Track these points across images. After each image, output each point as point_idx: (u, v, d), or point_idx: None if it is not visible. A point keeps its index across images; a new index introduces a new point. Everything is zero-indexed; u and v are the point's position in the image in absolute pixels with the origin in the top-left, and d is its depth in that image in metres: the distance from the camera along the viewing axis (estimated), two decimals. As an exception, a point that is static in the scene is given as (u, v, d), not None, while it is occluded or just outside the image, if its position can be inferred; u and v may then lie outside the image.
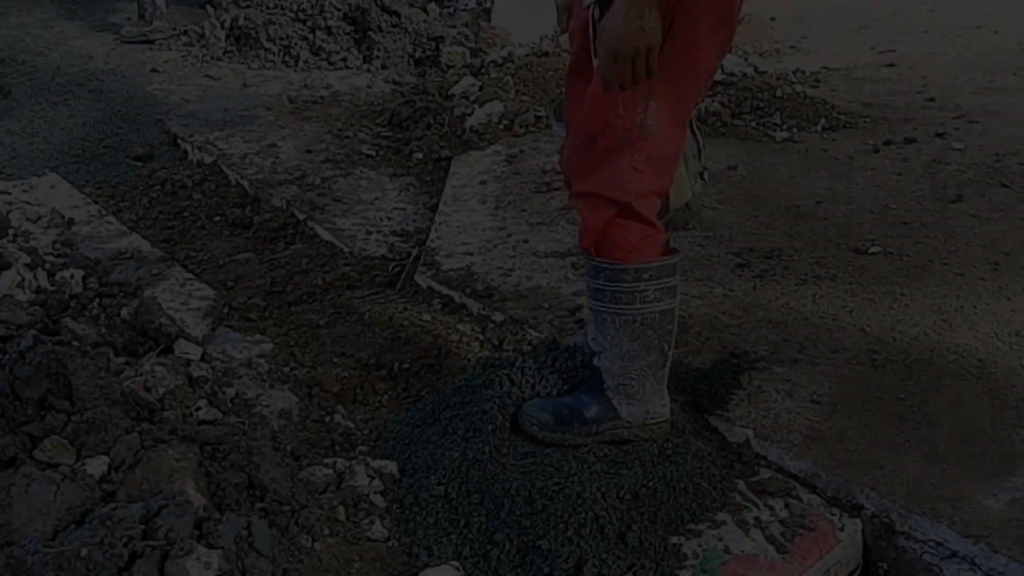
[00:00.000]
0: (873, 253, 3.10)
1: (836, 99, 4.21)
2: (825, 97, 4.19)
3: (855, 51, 4.71)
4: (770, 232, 3.27)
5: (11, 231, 3.21)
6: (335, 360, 2.86)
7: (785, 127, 4.00)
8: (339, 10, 5.24)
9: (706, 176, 2.33)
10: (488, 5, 5.84)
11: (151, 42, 5.57)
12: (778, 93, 4.17)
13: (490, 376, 2.44)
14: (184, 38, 5.51)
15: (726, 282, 3.00)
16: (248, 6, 5.40)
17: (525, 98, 4.39)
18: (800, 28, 4.97)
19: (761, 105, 4.13)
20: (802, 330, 2.74)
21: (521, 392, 2.39)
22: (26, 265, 2.94)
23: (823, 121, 4.02)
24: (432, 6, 5.88)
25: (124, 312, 2.77)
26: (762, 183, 3.61)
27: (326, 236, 3.62)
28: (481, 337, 2.89)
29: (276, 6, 5.28)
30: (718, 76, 4.33)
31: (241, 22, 5.30)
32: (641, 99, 1.93)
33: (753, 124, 4.05)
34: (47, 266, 3.05)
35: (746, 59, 4.49)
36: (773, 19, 4.97)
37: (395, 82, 5.03)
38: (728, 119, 4.07)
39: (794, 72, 4.43)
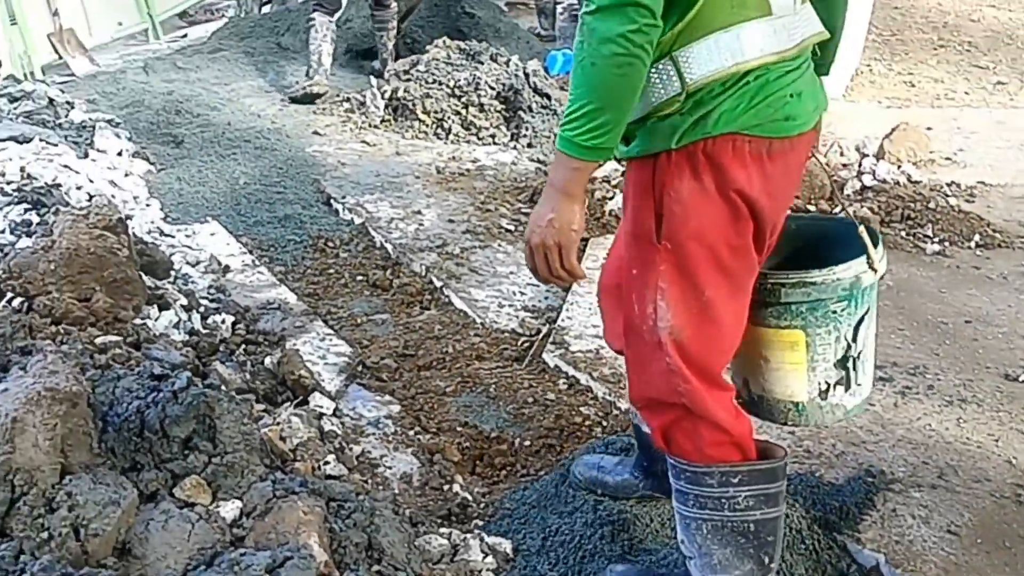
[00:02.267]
0: (1025, 381, 2.95)
1: (992, 216, 4.05)
2: (980, 213, 4.04)
3: (1015, 168, 4.55)
4: (915, 347, 3.15)
5: (172, 273, 3.41)
6: (458, 429, 2.90)
7: (936, 240, 3.87)
8: (493, 89, 5.42)
9: (846, 390, 1.98)
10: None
11: (315, 97, 5.88)
12: (931, 204, 4.05)
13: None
14: (346, 104, 5.80)
15: (864, 395, 2.90)
16: (409, 79, 5.64)
17: (668, 187, 4.40)
18: (957, 140, 4.83)
19: (912, 215, 4.02)
20: (944, 455, 2.61)
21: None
22: (183, 307, 3.12)
23: (977, 237, 3.87)
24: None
25: (268, 361, 2.89)
26: (909, 295, 3.49)
27: (460, 305, 3.70)
28: (604, 423, 2.88)
29: (435, 81, 5.50)
30: (869, 182, 4.26)
31: (400, 94, 5.54)
32: (648, 300, 1.76)
33: (903, 234, 3.94)
34: (201, 309, 3.23)
35: (899, 167, 4.38)
36: (930, 129, 4.85)
37: (540, 161, 5.14)
38: (877, 226, 3.97)
39: (949, 184, 4.30)
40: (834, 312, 1.90)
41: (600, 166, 2.78)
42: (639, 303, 1.79)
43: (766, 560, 1.88)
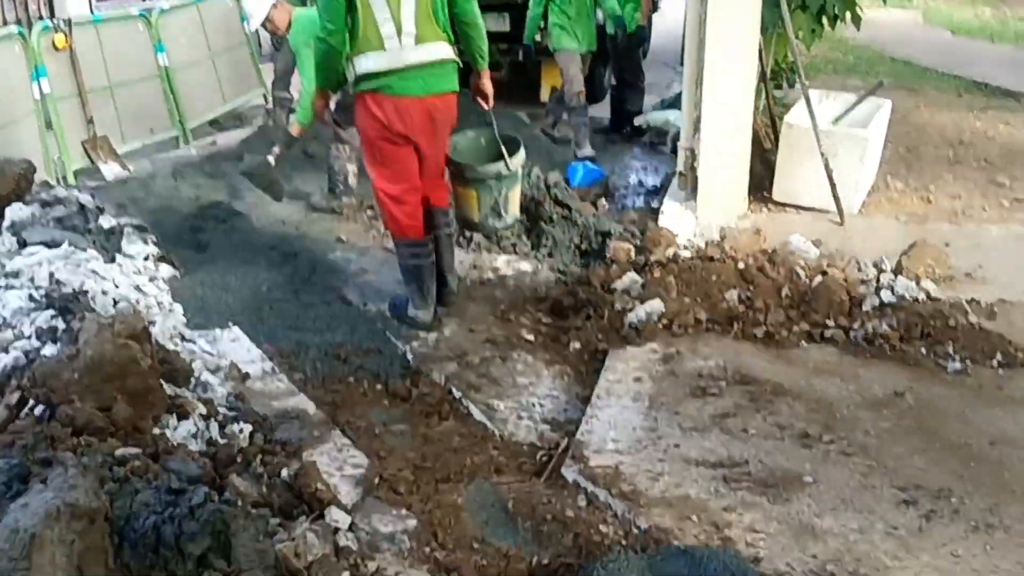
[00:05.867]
0: (1054, 507, 2.88)
1: (1014, 334, 4.03)
2: (1002, 331, 4.02)
3: (1035, 284, 4.54)
4: (939, 470, 3.10)
5: (192, 380, 3.43)
6: (475, 546, 2.86)
7: (958, 358, 3.85)
8: (515, 200, 5.53)
9: (498, 218, 4.44)
10: (656, 206, 6.02)
11: (339, 213, 6.01)
12: (951, 322, 4.04)
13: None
14: (370, 212, 5.90)
15: (889, 518, 2.85)
16: (431, 188, 5.77)
17: (686, 299, 4.42)
18: (977, 256, 4.84)
19: (933, 332, 4.00)
20: (972, 584, 2.55)
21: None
22: (201, 416, 3.13)
23: (999, 356, 3.84)
24: (602, 202, 6.11)
25: (285, 473, 2.88)
26: (931, 415, 3.46)
27: (479, 416, 3.69)
28: (624, 542, 2.83)
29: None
30: (888, 298, 4.26)
31: (423, 202, 5.66)
32: (368, 163, 4.27)
33: (923, 351, 3.92)
34: (220, 417, 3.23)
35: (918, 283, 4.39)
36: (948, 244, 4.87)
37: (560, 271, 5.19)
38: (897, 343, 3.96)
39: (969, 301, 4.29)
40: (489, 185, 4.33)
41: (328, 96, 4.37)
42: (367, 167, 4.27)
43: (422, 287, 4.35)
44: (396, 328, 4.38)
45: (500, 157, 4.30)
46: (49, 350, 3.12)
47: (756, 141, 5.62)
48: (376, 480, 3.15)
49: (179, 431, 2.93)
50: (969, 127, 7.43)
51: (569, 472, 3.19)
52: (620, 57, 8.11)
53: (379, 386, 3.92)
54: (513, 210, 4.48)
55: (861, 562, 2.64)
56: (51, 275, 3.83)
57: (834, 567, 2.62)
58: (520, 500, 3.07)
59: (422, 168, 4.18)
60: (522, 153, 4.38)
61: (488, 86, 4.28)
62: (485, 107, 4.35)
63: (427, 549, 2.81)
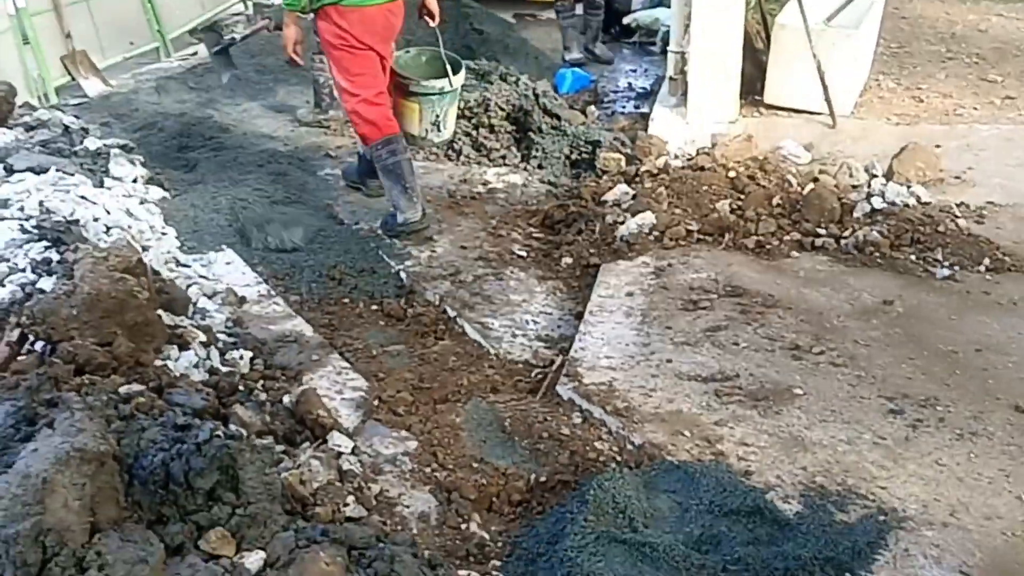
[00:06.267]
0: (1036, 413, 2.97)
1: (1002, 238, 4.06)
2: (990, 235, 4.05)
3: (1024, 187, 4.56)
4: (926, 378, 3.18)
5: (191, 307, 3.45)
6: (474, 465, 2.93)
7: (947, 264, 3.89)
8: (503, 110, 5.45)
9: (437, 132, 4.67)
10: (647, 111, 5.97)
11: (325, 127, 5.94)
12: (940, 228, 4.07)
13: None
14: (356, 125, 5.84)
15: (876, 428, 2.93)
16: (418, 100, 5.69)
17: (677, 211, 4.43)
18: (967, 158, 4.84)
19: (922, 239, 4.04)
20: (955, 491, 2.64)
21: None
22: (202, 344, 3.17)
23: (987, 261, 3.89)
24: (592, 109, 6.04)
25: (286, 400, 2.94)
26: (919, 323, 3.52)
27: (474, 335, 3.74)
28: (619, 458, 2.91)
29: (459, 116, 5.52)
30: (879, 204, 4.28)
31: (410, 114, 5.59)
32: (334, 71, 4.43)
33: (913, 258, 3.96)
34: (220, 345, 3.28)
35: (908, 188, 4.40)
36: (939, 147, 4.86)
37: (550, 183, 5.17)
38: (887, 250, 4.00)
39: (958, 205, 4.30)
40: (431, 100, 4.53)
41: (300, 15, 4.33)
42: (336, 77, 4.43)
43: (407, 186, 4.43)
44: (389, 247, 4.39)
45: (442, 75, 4.51)
46: (45, 283, 3.13)
47: (747, 42, 5.53)
48: (376, 402, 3.21)
49: (180, 362, 2.97)
50: (962, 19, 7.30)
51: (564, 390, 3.25)
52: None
53: (374, 307, 3.96)
54: (451, 125, 4.75)
55: (849, 473, 2.73)
56: (41, 204, 3.81)
57: (823, 479, 2.71)
58: (517, 419, 3.14)
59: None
60: (463, 72, 4.61)
61: (433, 4, 4.55)
62: (431, 24, 4.60)
63: (428, 470, 2.89)
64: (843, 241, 4.12)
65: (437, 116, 4.57)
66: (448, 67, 4.51)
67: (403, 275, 4.17)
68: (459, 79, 4.56)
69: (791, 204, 4.37)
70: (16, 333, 2.71)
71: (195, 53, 7.85)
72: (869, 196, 4.35)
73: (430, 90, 4.49)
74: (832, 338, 3.44)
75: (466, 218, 4.75)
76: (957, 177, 4.71)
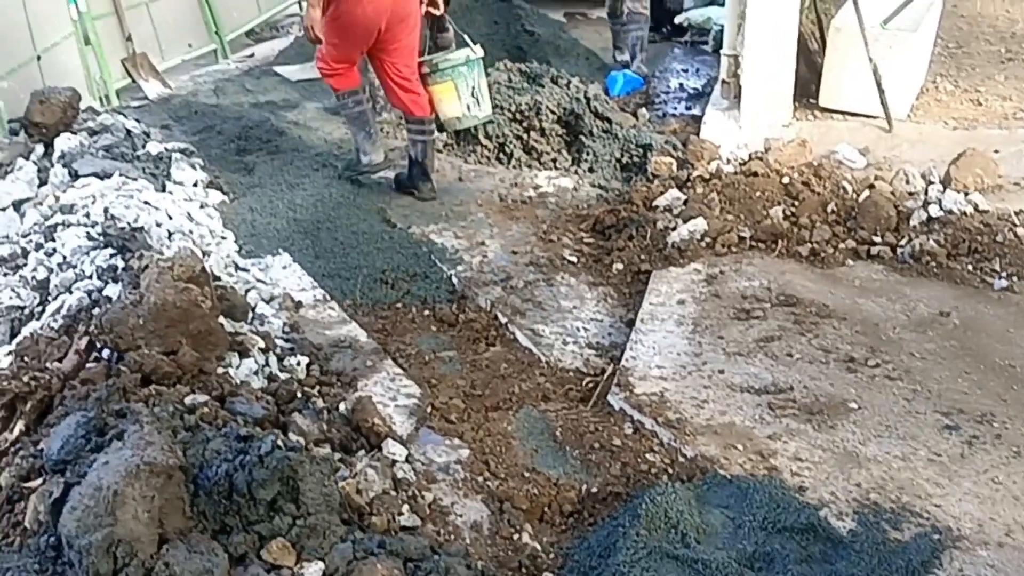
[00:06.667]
0: (1098, 431, 2.92)
1: (1063, 247, 3.99)
2: (1051, 244, 3.99)
3: (1086, 192, 4.46)
4: (983, 393, 3.14)
5: (250, 313, 3.54)
6: (526, 475, 2.97)
7: (1004, 275, 3.83)
8: (554, 113, 5.47)
9: (478, 107, 5.02)
10: (699, 113, 5.94)
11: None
12: (999, 237, 4.00)
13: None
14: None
15: (932, 444, 2.91)
16: (471, 103, 5.73)
17: (729, 217, 4.41)
18: (1028, 162, 4.75)
19: (980, 248, 3.97)
20: (1011, 510, 2.62)
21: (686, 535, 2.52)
22: (260, 350, 3.25)
23: (1047, 272, 3.82)
24: (643, 111, 6.03)
25: (342, 407, 3.00)
26: (976, 336, 3.47)
27: (525, 342, 3.78)
28: (670, 471, 2.93)
29: (497, 106, 5.56)
30: (936, 212, 4.22)
31: (463, 118, 5.64)
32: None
33: (970, 268, 3.90)
34: (278, 350, 3.35)
35: (966, 195, 4.33)
36: (997, 152, 4.77)
37: (601, 186, 5.18)
38: (944, 260, 3.95)
39: (1017, 213, 4.22)
40: (461, 72, 4.86)
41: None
42: (325, 39, 4.71)
43: (369, 132, 5.02)
44: (441, 251, 4.43)
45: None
46: (111, 290, 3.23)
47: (802, 43, 5.47)
48: (429, 409, 3.26)
49: (241, 369, 3.04)
50: (1022, 17, 7.14)
51: (615, 399, 3.27)
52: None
53: (427, 311, 4.01)
54: (487, 99, 5.06)
55: (904, 490, 2.72)
56: (106, 210, 3.92)
57: (877, 496, 2.69)
58: (568, 428, 3.17)
59: (387, 65, 4.82)
60: (479, 46, 4.98)
61: None
62: (436, 13, 5.02)
63: (480, 478, 2.93)
64: (899, 250, 4.07)
65: (473, 88, 4.91)
66: (468, 38, 4.92)
67: (455, 280, 4.21)
68: (479, 49, 4.92)
69: (846, 211, 4.33)
70: (85, 341, 2.81)
71: (252, 55, 7.98)
72: (926, 204, 4.29)
73: (457, 62, 4.87)
74: (887, 350, 3.41)
75: (517, 222, 4.78)
76: (1016, 184, 4.62)
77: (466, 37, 4.89)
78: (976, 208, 4.28)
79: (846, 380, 3.26)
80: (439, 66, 4.86)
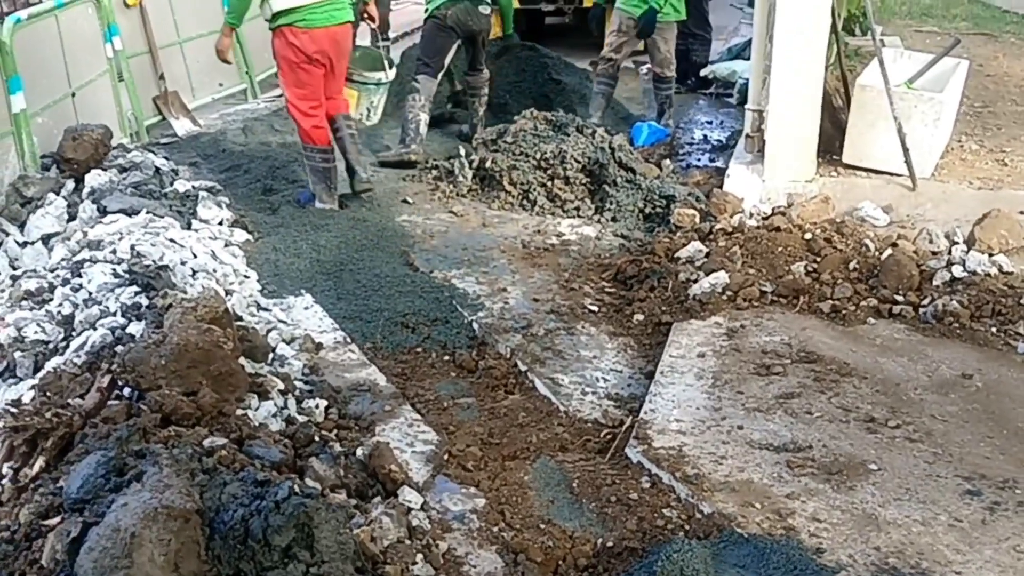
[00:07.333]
0: (1123, 502, 2.87)
1: (1088, 311, 3.96)
2: (1077, 309, 3.96)
3: (1114, 258, 4.43)
4: (1005, 458, 3.10)
5: (270, 355, 3.56)
6: (541, 527, 2.95)
7: (1029, 338, 3.81)
8: (579, 162, 5.51)
9: (368, 117, 5.99)
10: (722, 165, 5.97)
11: (410, 165, 6.10)
12: (1023, 300, 3.98)
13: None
14: (435, 172, 5.97)
15: (952, 509, 2.87)
16: (496, 150, 5.78)
17: (751, 271, 4.41)
18: (1053, 224, 4.73)
19: (1004, 311, 3.95)
20: (1035, 581, 2.57)
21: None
22: (279, 392, 3.26)
23: (1073, 336, 3.79)
24: (667, 162, 6.07)
25: (360, 452, 3.00)
26: (999, 399, 3.44)
27: (544, 391, 3.77)
28: (687, 527, 2.90)
29: (522, 153, 5.62)
30: (959, 273, 4.21)
31: (488, 164, 5.69)
32: (284, 84, 5.43)
33: (993, 330, 3.88)
34: (297, 393, 3.36)
35: (990, 256, 4.32)
36: (1022, 213, 4.76)
37: (623, 236, 5.20)
38: (967, 321, 3.92)
39: (1042, 276, 4.22)
40: (369, 88, 5.90)
41: (233, 30, 5.41)
42: (284, 88, 5.43)
43: (330, 185, 5.46)
44: (463, 297, 4.45)
45: (379, 69, 5.93)
46: (134, 328, 3.27)
47: (826, 100, 5.51)
48: (446, 457, 3.26)
49: (260, 411, 3.06)
50: (1051, 79, 7.17)
51: (633, 452, 3.25)
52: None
53: (446, 357, 4.02)
54: (378, 115, 6.10)
55: (923, 555, 2.68)
56: (132, 248, 3.97)
57: (896, 560, 2.66)
58: (585, 480, 3.15)
59: (327, 85, 5.38)
60: (394, 70, 6.21)
61: (372, 10, 5.90)
62: (372, 26, 6.16)
63: (495, 529, 2.91)
64: (922, 310, 4.06)
65: (371, 103, 5.95)
66: (385, 63, 5.95)
67: (475, 326, 4.22)
68: (392, 73, 6.06)
69: (868, 269, 4.32)
70: (107, 379, 2.83)
71: (281, 95, 8.09)
72: (949, 264, 4.28)
73: (369, 80, 5.84)
74: (908, 411, 3.39)
75: (539, 269, 4.80)
76: (1042, 245, 4.60)
77: (385, 63, 5.98)
78: (1000, 270, 4.28)
79: (866, 440, 3.23)
80: (354, 78, 5.74)
